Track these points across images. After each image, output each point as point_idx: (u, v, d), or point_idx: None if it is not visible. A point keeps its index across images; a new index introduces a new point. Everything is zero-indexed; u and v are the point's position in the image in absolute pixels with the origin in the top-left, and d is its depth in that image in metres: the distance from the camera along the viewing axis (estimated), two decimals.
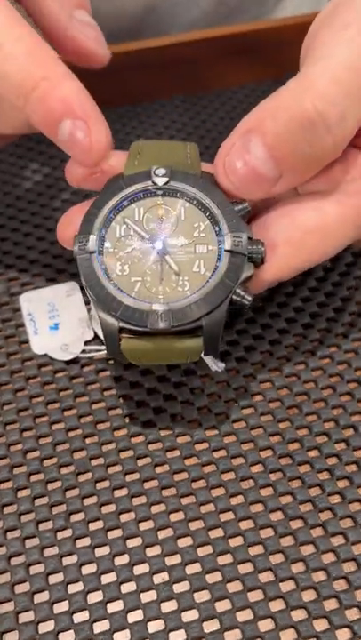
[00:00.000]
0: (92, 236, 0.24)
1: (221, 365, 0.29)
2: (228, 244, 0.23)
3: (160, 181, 0.24)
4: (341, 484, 0.26)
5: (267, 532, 0.25)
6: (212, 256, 0.24)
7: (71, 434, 0.28)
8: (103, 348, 0.30)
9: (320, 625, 0.23)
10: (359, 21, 0.23)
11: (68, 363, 0.30)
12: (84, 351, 0.30)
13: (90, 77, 0.27)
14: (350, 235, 0.24)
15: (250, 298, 0.24)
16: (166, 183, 0.24)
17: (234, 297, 0.23)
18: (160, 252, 0.24)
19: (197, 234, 0.24)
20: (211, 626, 0.23)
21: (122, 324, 0.23)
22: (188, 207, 0.24)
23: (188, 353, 0.24)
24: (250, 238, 0.24)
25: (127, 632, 0.23)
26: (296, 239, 0.24)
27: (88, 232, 0.24)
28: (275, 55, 0.44)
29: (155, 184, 0.24)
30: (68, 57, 0.26)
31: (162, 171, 0.24)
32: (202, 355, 0.24)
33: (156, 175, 0.24)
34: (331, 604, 0.23)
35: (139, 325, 0.23)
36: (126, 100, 0.44)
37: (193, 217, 0.24)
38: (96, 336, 0.31)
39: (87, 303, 0.32)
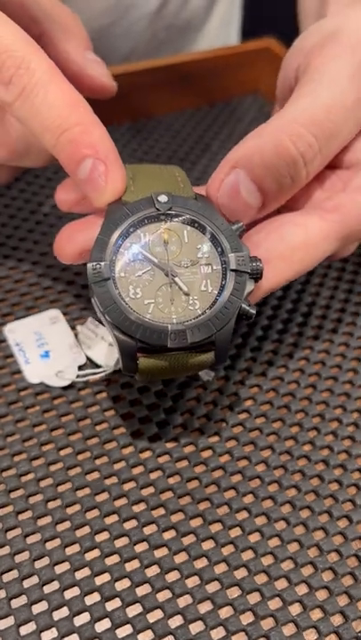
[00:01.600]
0: (104, 263, 0.25)
1: (212, 374, 0.31)
2: (233, 264, 0.25)
3: (163, 207, 0.26)
4: (338, 471, 0.29)
5: (280, 525, 0.27)
6: (217, 275, 0.26)
7: (80, 457, 0.28)
8: (99, 370, 0.31)
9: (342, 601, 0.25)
10: (344, 56, 0.27)
11: (64, 388, 0.30)
12: (78, 376, 0.31)
13: None
14: (332, 246, 0.27)
15: (254, 310, 0.26)
16: (169, 209, 0.26)
17: (241, 311, 0.26)
18: (168, 274, 0.26)
19: (201, 255, 0.26)
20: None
21: (141, 345, 0.24)
22: (190, 230, 0.26)
23: (200, 367, 0.26)
24: (249, 256, 0.26)
25: None
26: (287, 254, 0.27)
27: (100, 259, 0.25)
28: (205, 83, 0.47)
29: (158, 210, 0.26)
30: (84, 93, 0.27)
31: (164, 197, 0.26)
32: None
33: (159, 202, 0.26)
34: (348, 580, 0.26)
35: (158, 345, 0.24)
36: None
37: (195, 239, 0.26)
38: (88, 359, 0.31)
39: (73, 328, 0.33)
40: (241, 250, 0.26)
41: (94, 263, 0.25)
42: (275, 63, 0.47)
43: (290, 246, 0.26)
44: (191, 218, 0.26)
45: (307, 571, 0.26)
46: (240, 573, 0.26)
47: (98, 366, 0.31)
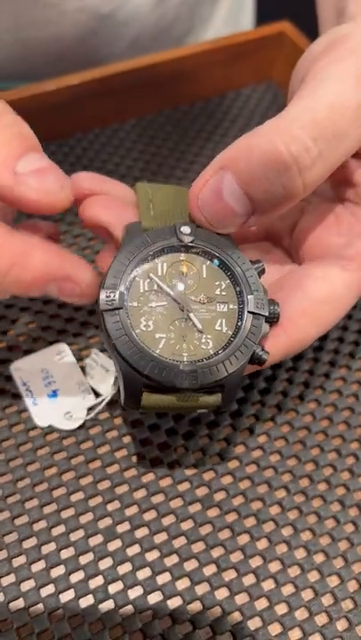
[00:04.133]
0: (118, 292, 0.24)
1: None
2: (251, 306, 0.24)
3: (185, 239, 0.24)
4: (353, 512, 0.28)
5: (300, 552, 0.27)
6: (233, 314, 0.25)
7: (92, 502, 0.28)
8: (100, 399, 0.30)
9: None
10: (350, 58, 0.24)
11: (80, 442, 0.30)
12: (87, 413, 0.30)
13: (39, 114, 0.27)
14: (357, 296, 0.26)
15: (266, 356, 0.25)
16: (191, 241, 0.25)
17: (253, 356, 0.24)
18: (184, 309, 0.24)
19: (219, 292, 0.25)
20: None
21: (147, 382, 0.23)
22: (210, 265, 0.25)
23: (205, 407, 0.25)
24: (267, 299, 0.25)
25: None
26: (311, 311, 0.25)
27: (115, 287, 0.24)
28: (216, 73, 0.45)
29: (180, 241, 0.24)
30: (26, 211, 0.24)
31: (187, 229, 0.24)
32: None
33: (182, 233, 0.24)
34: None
35: (167, 383, 0.23)
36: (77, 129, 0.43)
37: (215, 275, 0.25)
38: (94, 392, 0.31)
39: (80, 359, 0.32)
40: (260, 291, 0.24)
41: (108, 291, 0.23)
42: (289, 49, 0.44)
43: (314, 302, 0.25)
44: (212, 253, 0.25)
45: (321, 619, 0.26)
46: (248, 580, 0.26)
47: (96, 394, 0.31)
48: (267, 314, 0.24)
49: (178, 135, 0.43)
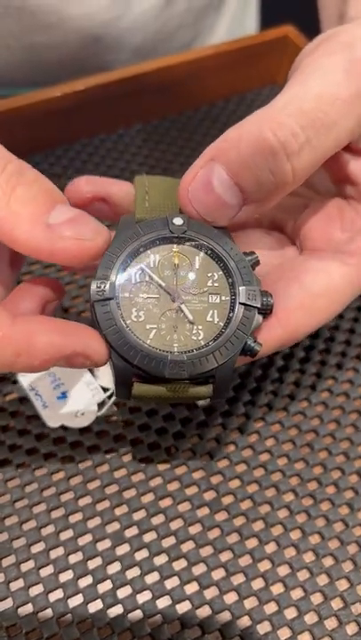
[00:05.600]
0: (109, 282, 0.24)
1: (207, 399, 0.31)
2: (242, 297, 0.24)
3: (177, 230, 0.24)
4: None
5: (309, 556, 0.27)
6: (225, 306, 0.25)
7: (99, 506, 0.28)
8: (109, 394, 0.30)
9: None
10: (340, 52, 0.24)
11: (81, 432, 0.30)
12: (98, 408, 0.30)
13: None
14: (356, 292, 0.26)
15: (259, 347, 0.24)
16: (183, 232, 0.25)
17: (245, 347, 0.24)
18: (175, 300, 0.24)
19: (211, 283, 0.25)
20: None
21: (137, 372, 0.23)
22: (203, 257, 0.25)
23: (197, 398, 0.25)
24: (260, 290, 0.25)
25: None
26: (307, 303, 0.25)
27: (106, 277, 0.24)
28: (220, 77, 0.45)
29: (172, 232, 0.24)
30: (63, 264, 0.24)
31: (179, 220, 0.24)
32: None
33: (174, 224, 0.24)
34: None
35: (155, 374, 0.23)
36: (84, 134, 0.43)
37: (207, 267, 0.25)
38: (103, 390, 0.31)
39: None
40: (252, 283, 0.24)
41: (99, 281, 0.24)
42: (293, 52, 0.44)
43: (311, 294, 0.25)
44: (205, 244, 0.25)
45: (331, 623, 0.26)
46: (257, 584, 0.26)
47: (105, 390, 0.31)
48: (259, 305, 0.24)
49: (183, 140, 0.43)
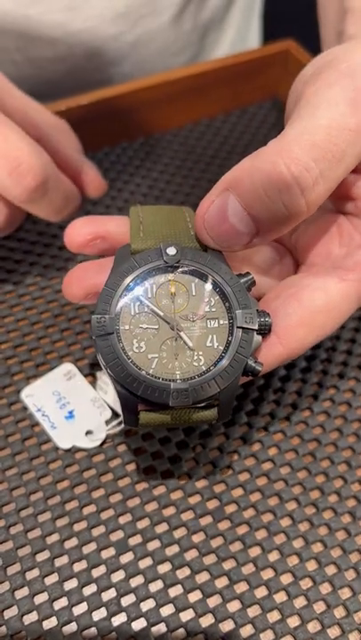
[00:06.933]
0: (109, 317, 0.24)
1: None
2: (240, 321, 0.25)
3: (171, 260, 0.25)
4: None
5: (312, 564, 0.27)
6: (224, 330, 0.25)
7: (104, 515, 0.28)
8: (120, 420, 0.30)
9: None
10: (342, 81, 0.24)
11: (92, 455, 0.30)
12: (108, 428, 0.30)
13: None
14: (354, 306, 0.26)
15: (260, 367, 0.25)
16: (177, 262, 0.25)
17: (246, 368, 0.25)
18: (174, 328, 0.25)
19: (208, 309, 0.25)
20: None
21: (142, 402, 0.24)
22: (198, 283, 0.25)
23: (202, 422, 0.25)
24: (257, 311, 0.25)
25: None
26: (307, 320, 0.25)
27: (105, 312, 0.24)
28: (221, 91, 0.45)
29: (166, 262, 0.25)
30: (81, 190, 0.34)
31: (172, 250, 0.25)
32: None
33: (167, 254, 0.25)
34: None
35: (160, 403, 0.24)
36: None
37: (203, 293, 0.25)
38: (109, 406, 0.31)
39: (92, 375, 0.32)
40: (249, 306, 0.25)
41: (99, 316, 0.24)
42: (294, 67, 0.45)
43: (310, 311, 0.25)
44: (199, 271, 0.25)
45: (333, 632, 0.26)
46: (260, 591, 0.27)
47: (113, 411, 0.31)
48: (256, 327, 0.25)
49: (184, 153, 0.44)
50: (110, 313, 0.24)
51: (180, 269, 0.25)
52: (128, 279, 0.25)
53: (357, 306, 0.26)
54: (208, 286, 0.26)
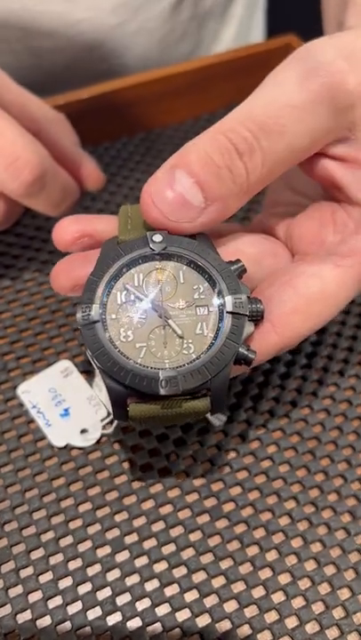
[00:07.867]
0: (94, 306, 0.24)
1: (223, 419, 0.30)
2: (229, 306, 0.24)
3: (157, 247, 0.25)
4: None
5: (311, 564, 0.27)
6: (214, 317, 0.24)
7: (100, 513, 0.28)
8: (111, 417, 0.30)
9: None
10: (295, 63, 0.25)
11: (88, 452, 0.30)
12: (103, 427, 0.30)
13: None
14: (351, 294, 0.26)
15: (253, 355, 0.24)
16: (164, 248, 0.25)
17: (238, 355, 0.24)
18: (162, 316, 0.24)
19: (197, 296, 0.25)
20: None
21: (131, 392, 0.23)
22: (186, 270, 0.25)
23: (195, 414, 0.24)
24: (248, 297, 0.25)
25: None
26: (302, 308, 0.25)
27: (90, 302, 0.24)
28: (222, 86, 0.45)
29: (152, 250, 0.25)
30: (79, 183, 0.34)
31: (158, 237, 0.25)
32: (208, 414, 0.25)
33: (153, 241, 0.25)
34: None
35: (148, 392, 0.23)
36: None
37: (192, 279, 0.25)
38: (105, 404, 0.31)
39: (90, 372, 0.32)
40: (239, 291, 0.24)
41: (84, 306, 0.24)
42: None
43: (305, 299, 0.25)
44: (187, 257, 0.25)
45: (332, 633, 0.25)
46: (258, 591, 0.26)
47: (108, 410, 0.31)
48: (247, 313, 0.24)
49: None
50: (96, 302, 0.24)
51: (167, 256, 0.25)
52: (114, 268, 0.24)
53: (354, 293, 0.26)
54: (196, 273, 0.25)
